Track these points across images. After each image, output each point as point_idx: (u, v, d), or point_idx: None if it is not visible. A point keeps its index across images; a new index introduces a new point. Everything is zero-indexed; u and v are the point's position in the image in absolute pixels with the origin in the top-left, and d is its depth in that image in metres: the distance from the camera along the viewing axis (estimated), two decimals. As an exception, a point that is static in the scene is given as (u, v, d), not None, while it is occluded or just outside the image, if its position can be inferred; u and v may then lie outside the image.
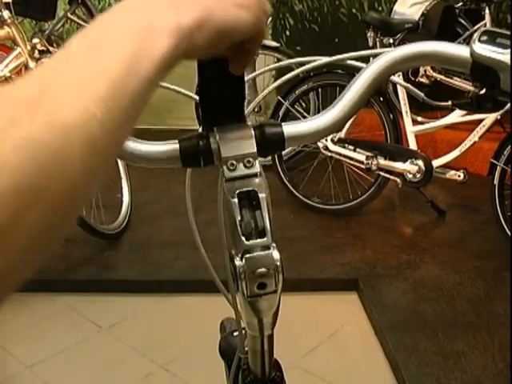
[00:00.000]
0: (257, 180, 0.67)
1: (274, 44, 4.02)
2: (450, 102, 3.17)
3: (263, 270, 0.65)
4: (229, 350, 1.14)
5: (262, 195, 0.66)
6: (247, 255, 0.65)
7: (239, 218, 0.65)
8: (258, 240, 0.65)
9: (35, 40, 2.88)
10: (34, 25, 4.32)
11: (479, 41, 0.70)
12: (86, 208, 2.95)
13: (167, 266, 2.96)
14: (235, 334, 1.17)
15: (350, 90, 0.72)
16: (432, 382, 2.24)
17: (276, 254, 0.66)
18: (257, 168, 0.68)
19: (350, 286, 2.89)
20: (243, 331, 0.96)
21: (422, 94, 3.03)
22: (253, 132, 0.68)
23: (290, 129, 0.71)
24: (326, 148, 3.48)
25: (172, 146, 0.69)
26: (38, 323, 2.62)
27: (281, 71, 4.66)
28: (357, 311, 2.75)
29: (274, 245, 0.66)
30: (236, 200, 0.66)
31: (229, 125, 0.69)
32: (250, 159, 0.67)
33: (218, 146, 0.67)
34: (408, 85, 3.47)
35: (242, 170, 0.67)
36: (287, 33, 4.82)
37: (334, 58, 0.88)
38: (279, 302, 0.71)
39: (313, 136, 0.72)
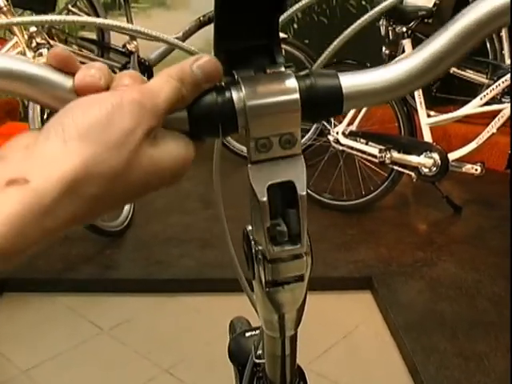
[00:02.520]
0: (296, 165, 0.49)
1: (282, 35, 3.90)
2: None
3: (290, 274, 0.52)
4: (240, 354, 1.01)
5: (301, 193, 0.48)
6: (275, 263, 0.51)
7: (268, 225, 0.48)
8: (290, 246, 0.50)
9: (32, 29, 2.77)
10: (34, 18, 4.22)
11: None
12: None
13: (172, 265, 2.85)
14: (247, 334, 1.04)
15: (447, 32, 0.49)
16: (453, 386, 2.12)
17: (303, 268, 0.53)
18: (297, 148, 0.49)
19: (364, 284, 2.78)
20: (259, 331, 0.83)
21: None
22: (296, 84, 0.48)
23: (350, 81, 0.49)
24: (337, 141, 3.37)
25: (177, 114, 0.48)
26: (36, 325, 2.52)
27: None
28: (371, 311, 2.63)
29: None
30: (266, 199, 0.48)
31: (259, 70, 0.50)
32: (290, 137, 0.48)
33: (244, 107, 0.47)
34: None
35: (276, 150, 0.48)
36: (295, 26, 4.71)
37: None
38: (306, 295, 0.56)
39: (384, 94, 0.50)
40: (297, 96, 0.47)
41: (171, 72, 0.46)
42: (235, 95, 0.47)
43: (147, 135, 0.43)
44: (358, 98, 0.50)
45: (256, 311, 0.77)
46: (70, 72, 0.46)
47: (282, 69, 0.50)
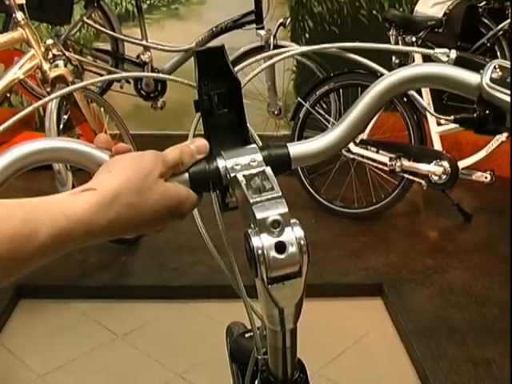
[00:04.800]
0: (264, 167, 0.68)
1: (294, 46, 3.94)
2: (452, 117, 3.03)
3: (276, 217, 0.61)
4: (241, 354, 1.06)
5: (269, 171, 0.67)
6: (257, 205, 0.62)
7: (244, 182, 0.65)
8: (266, 192, 0.64)
9: (49, 41, 2.82)
10: (50, 30, 4.28)
11: (490, 78, 0.70)
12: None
13: (185, 272, 2.89)
14: (247, 335, 1.09)
15: (356, 108, 0.73)
16: (462, 391, 2.14)
17: (285, 207, 0.62)
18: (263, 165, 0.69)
19: (375, 291, 2.80)
20: (260, 328, 0.88)
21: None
22: (259, 153, 0.70)
23: (295, 149, 0.72)
24: (348, 150, 3.39)
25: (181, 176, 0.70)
26: (52, 330, 2.56)
27: (302, 73, 4.60)
28: (382, 317, 2.65)
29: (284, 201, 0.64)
30: (241, 174, 0.67)
31: (235, 148, 0.71)
32: (256, 162, 0.69)
33: (226, 171, 0.69)
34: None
35: (247, 168, 0.68)
36: (306, 35, 4.73)
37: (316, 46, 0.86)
38: (304, 291, 0.63)
39: (319, 155, 0.73)
40: (261, 160, 0.69)
41: (176, 146, 0.71)
42: (220, 163, 0.69)
43: (161, 176, 0.67)
44: (301, 160, 0.72)
45: (248, 314, 0.87)
46: (108, 149, 0.71)
47: (251, 144, 0.73)
